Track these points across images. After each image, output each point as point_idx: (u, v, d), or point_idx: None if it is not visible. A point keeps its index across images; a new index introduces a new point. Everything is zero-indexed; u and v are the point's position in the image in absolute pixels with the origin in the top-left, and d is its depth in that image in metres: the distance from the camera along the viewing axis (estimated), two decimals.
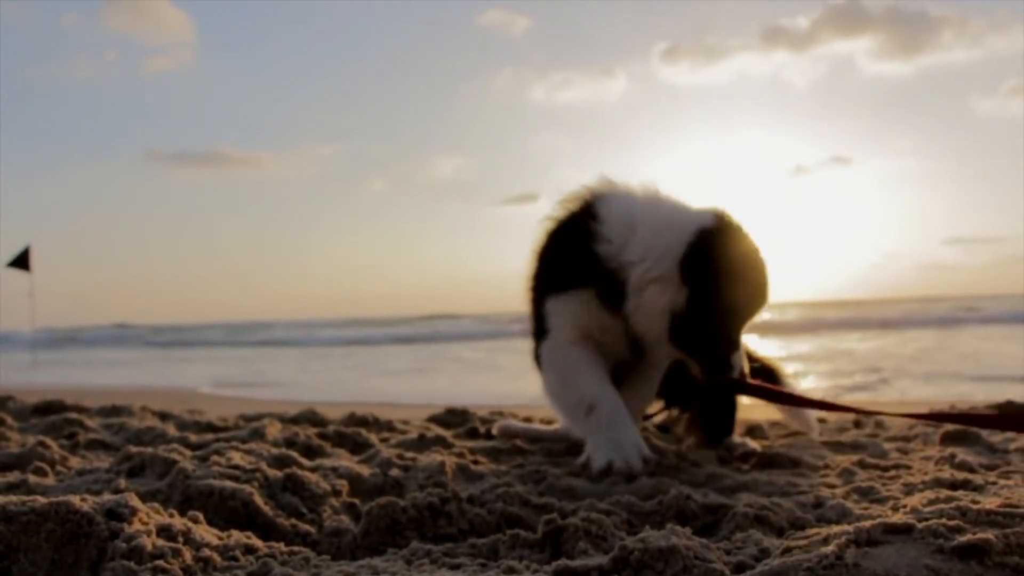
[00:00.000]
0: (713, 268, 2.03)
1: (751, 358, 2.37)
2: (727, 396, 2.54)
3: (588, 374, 2.15)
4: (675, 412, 2.72)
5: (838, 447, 2.59)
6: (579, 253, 2.13)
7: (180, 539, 1.33)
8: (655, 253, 2.04)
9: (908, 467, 2.13)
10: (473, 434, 2.94)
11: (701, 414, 2.60)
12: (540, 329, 2.24)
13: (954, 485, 1.77)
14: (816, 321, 19.73)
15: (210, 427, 3.05)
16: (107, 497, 1.38)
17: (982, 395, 4.71)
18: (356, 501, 1.79)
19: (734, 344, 2.13)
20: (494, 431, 2.77)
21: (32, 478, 1.92)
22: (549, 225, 2.25)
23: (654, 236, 2.06)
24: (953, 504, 1.29)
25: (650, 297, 2.05)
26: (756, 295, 2.13)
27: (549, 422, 2.89)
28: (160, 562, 1.23)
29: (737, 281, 2.06)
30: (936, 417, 1.90)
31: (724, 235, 2.06)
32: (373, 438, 2.64)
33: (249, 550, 1.38)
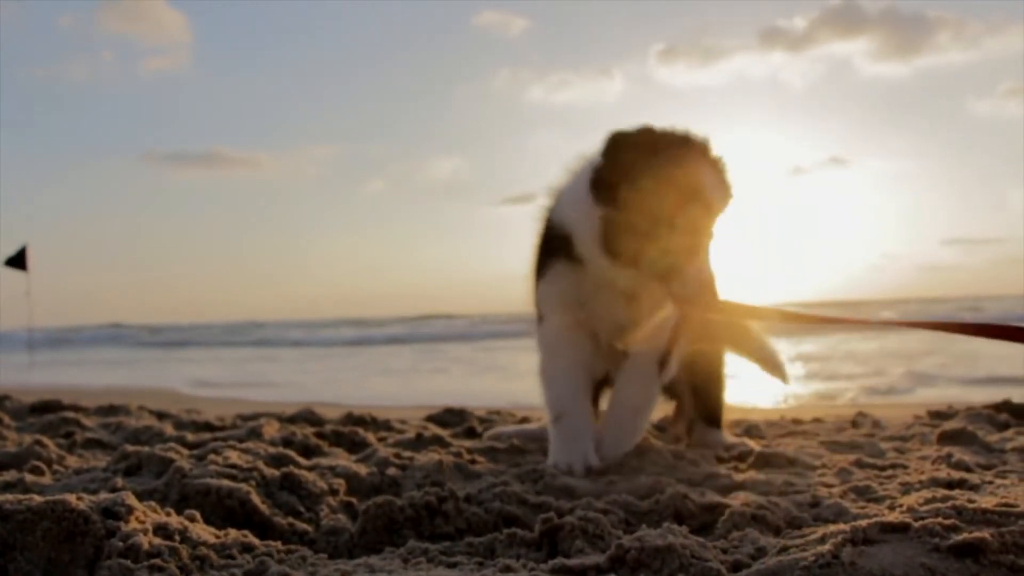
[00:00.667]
0: (623, 158, 1.97)
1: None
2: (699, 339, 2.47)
3: (565, 381, 2.25)
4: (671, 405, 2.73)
5: (835, 446, 2.59)
6: (546, 234, 2.25)
7: (177, 537, 1.33)
8: (576, 182, 2.12)
9: (905, 466, 2.13)
10: (471, 434, 2.94)
11: (691, 393, 2.61)
12: (538, 317, 2.35)
13: (951, 484, 1.77)
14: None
15: (207, 426, 3.05)
16: (103, 496, 1.38)
17: (982, 396, 4.71)
18: (353, 500, 1.79)
19: (679, 247, 1.97)
20: (485, 440, 2.77)
21: (29, 477, 1.92)
22: (536, 228, 2.34)
23: (575, 173, 2.16)
24: (949, 503, 1.29)
25: (578, 219, 2.09)
26: (681, 183, 1.96)
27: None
28: (157, 560, 1.23)
29: (654, 166, 1.95)
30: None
31: (639, 133, 1.99)
32: (370, 437, 2.64)
33: (246, 548, 1.38)
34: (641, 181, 1.96)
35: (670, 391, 2.69)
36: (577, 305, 2.23)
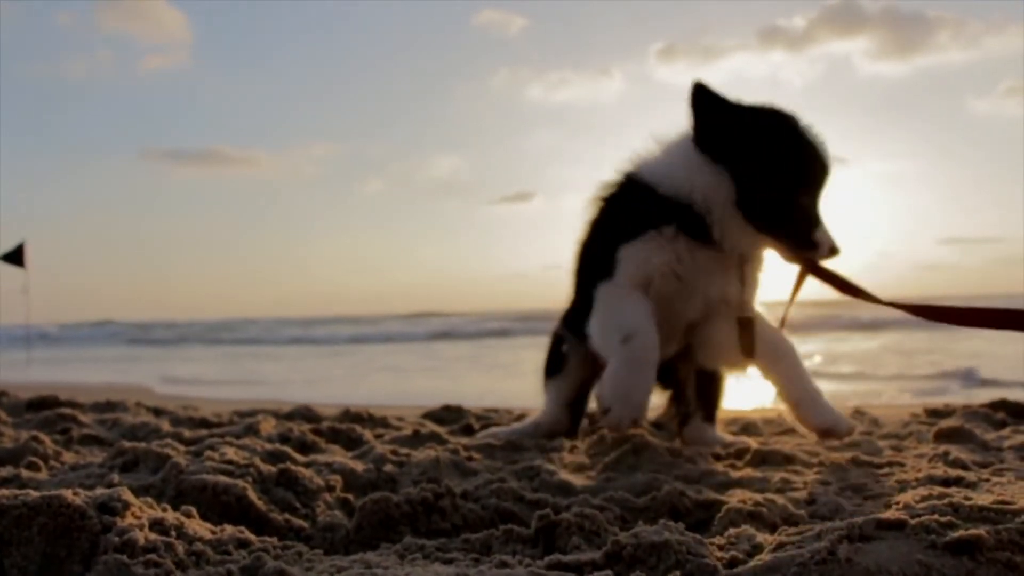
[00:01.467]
0: (751, 136, 2.10)
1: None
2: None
3: (636, 307, 2.19)
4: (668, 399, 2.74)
5: (832, 444, 2.59)
6: (638, 196, 2.24)
7: (173, 533, 1.32)
8: (683, 143, 2.19)
9: (902, 464, 2.13)
10: (468, 431, 2.94)
11: (694, 388, 2.61)
12: (602, 275, 2.28)
13: (947, 482, 1.77)
14: (814, 321, 19.71)
15: (204, 423, 3.05)
16: (100, 491, 1.37)
17: (982, 396, 4.71)
18: (350, 496, 1.79)
19: (806, 214, 2.12)
20: (479, 439, 2.77)
21: (25, 473, 1.92)
22: (601, 200, 2.38)
23: (678, 139, 2.23)
24: (946, 501, 1.30)
25: (695, 179, 2.13)
26: (803, 151, 2.11)
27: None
28: (152, 556, 1.23)
29: (781, 141, 2.09)
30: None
31: (755, 111, 2.14)
32: (367, 434, 2.63)
33: (242, 544, 1.38)
34: (780, 144, 2.09)
35: (667, 382, 2.69)
36: (662, 275, 2.20)
